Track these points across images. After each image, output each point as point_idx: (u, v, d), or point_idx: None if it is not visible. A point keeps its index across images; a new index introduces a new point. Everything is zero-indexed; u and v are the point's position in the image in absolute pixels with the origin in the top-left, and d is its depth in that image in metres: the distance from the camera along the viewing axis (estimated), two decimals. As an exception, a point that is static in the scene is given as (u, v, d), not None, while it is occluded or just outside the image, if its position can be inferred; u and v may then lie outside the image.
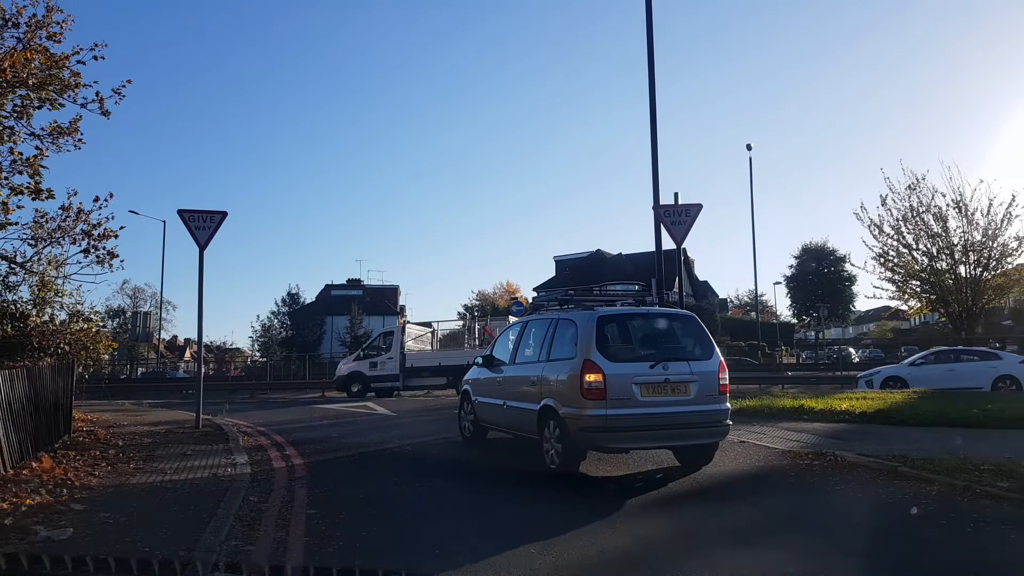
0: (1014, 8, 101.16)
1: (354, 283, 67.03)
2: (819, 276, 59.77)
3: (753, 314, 77.49)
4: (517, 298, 55.16)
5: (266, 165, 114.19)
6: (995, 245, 33.03)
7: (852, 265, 48.09)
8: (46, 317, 9.90)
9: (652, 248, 16.01)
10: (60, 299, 10.07)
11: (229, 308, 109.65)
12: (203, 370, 13.44)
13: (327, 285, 68.32)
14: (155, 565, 2.82)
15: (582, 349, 7.09)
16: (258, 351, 57.49)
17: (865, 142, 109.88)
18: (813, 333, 64.83)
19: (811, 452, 8.35)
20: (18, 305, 9.46)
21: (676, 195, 14.32)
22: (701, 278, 72.19)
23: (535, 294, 65.81)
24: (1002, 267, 34.15)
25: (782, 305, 72.99)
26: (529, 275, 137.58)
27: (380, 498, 6.65)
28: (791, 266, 61.08)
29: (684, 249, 64.35)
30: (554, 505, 6.39)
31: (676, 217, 13.47)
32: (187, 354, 64.73)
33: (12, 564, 2.67)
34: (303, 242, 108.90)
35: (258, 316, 74.23)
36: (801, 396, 14.11)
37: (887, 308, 64.51)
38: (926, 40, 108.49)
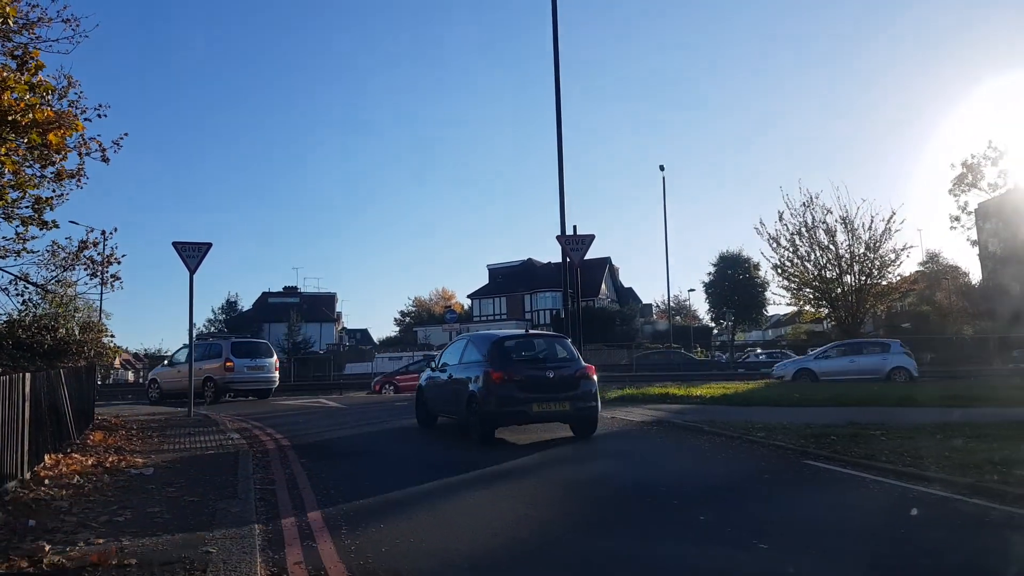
0: (919, 35, 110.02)
1: (291, 291, 68.54)
2: (734, 282, 64.33)
3: (678, 318, 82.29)
4: (451, 306, 58.18)
5: (203, 173, 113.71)
6: (876, 257, 37.72)
7: (763, 272, 52.79)
8: (63, 331, 12.30)
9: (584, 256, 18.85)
10: (76, 315, 12.47)
11: (164, 317, 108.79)
12: (192, 372, 16.08)
13: (264, 293, 69.56)
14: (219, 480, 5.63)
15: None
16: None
17: (775, 158, 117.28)
18: (729, 335, 69.53)
19: (654, 421, 11.68)
20: (44, 320, 11.85)
21: (575, 227, 17.50)
22: (626, 285, 76.39)
23: (469, 301, 68.98)
24: (883, 276, 38.92)
25: (703, 310, 77.78)
26: (464, 282, 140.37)
27: (355, 453, 9.59)
28: (709, 273, 65.42)
29: (609, 258, 68.19)
30: (474, 453, 9.41)
31: (575, 245, 16.73)
32: (117, 361, 64.95)
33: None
34: (240, 250, 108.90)
35: (194, 324, 74.73)
36: (670, 386, 17.58)
37: (801, 312, 69.73)
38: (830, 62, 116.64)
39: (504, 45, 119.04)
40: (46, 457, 7.49)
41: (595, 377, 10.71)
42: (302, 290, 68.30)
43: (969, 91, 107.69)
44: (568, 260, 17.83)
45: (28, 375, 6.65)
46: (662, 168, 46.86)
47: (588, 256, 18.81)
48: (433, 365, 12.91)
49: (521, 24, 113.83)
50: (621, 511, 6.21)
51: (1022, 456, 7.03)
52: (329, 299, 69.21)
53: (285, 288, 69.13)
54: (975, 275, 54.11)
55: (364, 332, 77.93)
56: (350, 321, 78.67)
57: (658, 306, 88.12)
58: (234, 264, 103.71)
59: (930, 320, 50.69)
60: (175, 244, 13.43)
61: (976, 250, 49.48)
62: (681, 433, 10.71)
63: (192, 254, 13.41)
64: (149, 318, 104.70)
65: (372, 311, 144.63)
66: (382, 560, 4.63)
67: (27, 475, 6.61)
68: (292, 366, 45.35)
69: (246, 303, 64.19)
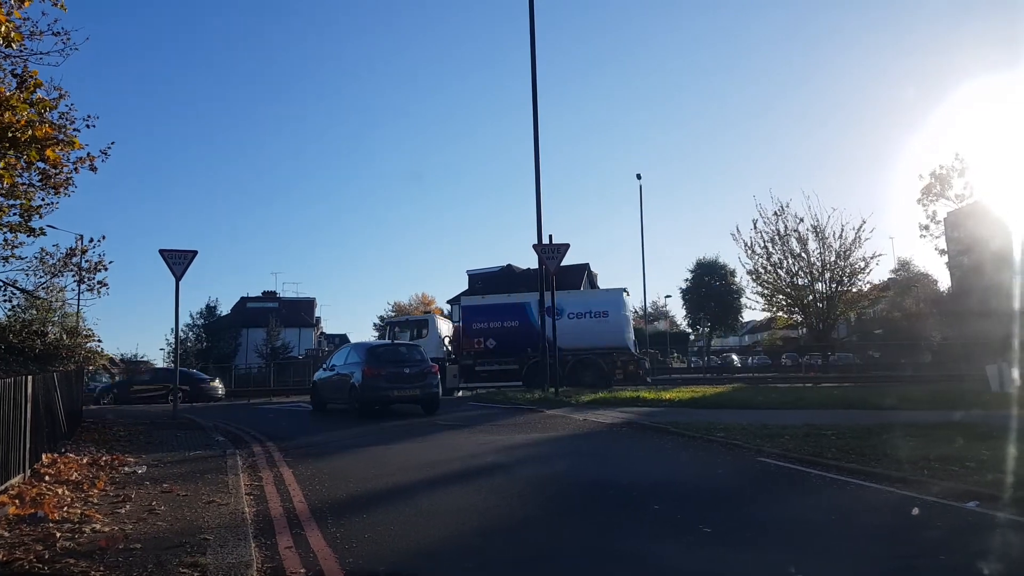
0: (894, 47, 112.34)
1: (270, 296, 68.38)
2: (711, 289, 65.23)
3: (656, 323, 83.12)
4: (430, 311, 58.46)
5: (183, 179, 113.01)
6: (846, 264, 38.65)
7: (739, 279, 53.76)
8: (52, 336, 12.62)
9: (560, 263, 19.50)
10: (63, 321, 12.81)
11: (140, 322, 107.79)
12: (177, 375, 16.93)
13: (243, 298, 69.32)
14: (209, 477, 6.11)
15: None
16: (172, 363, 58.36)
17: (753, 166, 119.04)
18: (705, 341, 70.45)
19: (623, 423, 12.25)
20: (35, 326, 12.17)
21: (551, 236, 18.09)
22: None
23: (448, 306, 69.35)
24: (853, 284, 39.87)
25: (680, 315, 78.66)
26: (444, 287, 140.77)
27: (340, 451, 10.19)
28: (687, 279, 66.28)
29: (587, 264, 68.49)
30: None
31: (551, 253, 17.33)
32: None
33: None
34: (219, 255, 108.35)
35: (172, 329, 74.34)
36: (641, 390, 18.21)
37: (775, 318, 70.95)
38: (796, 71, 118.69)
39: (482, 49, 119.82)
40: (43, 456, 7.89)
41: (438, 374, 16.21)
42: (281, 295, 68.25)
43: (941, 103, 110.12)
44: (544, 267, 18.42)
45: (31, 378, 7.06)
46: (639, 177, 47.48)
47: (567, 262, 19.48)
48: (324, 366, 17.95)
49: (503, 29, 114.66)
50: (578, 501, 6.74)
51: (950, 453, 7.67)
52: (308, 304, 69.19)
53: (264, 293, 68.99)
54: (944, 283, 55.53)
55: (343, 337, 77.89)
56: (329, 326, 78.74)
57: (636, 312, 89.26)
58: (213, 269, 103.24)
59: (900, 327, 51.84)
60: (162, 252, 13.79)
61: (945, 259, 50.74)
62: (647, 433, 11.31)
63: (178, 261, 13.78)
64: (123, 323, 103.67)
65: (352, 316, 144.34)
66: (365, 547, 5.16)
67: (28, 472, 7.02)
68: (271, 371, 45.45)
69: (224, 308, 64.05)
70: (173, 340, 16.69)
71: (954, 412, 11.79)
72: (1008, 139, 43.35)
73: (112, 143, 11.92)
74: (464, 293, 67.12)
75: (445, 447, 10.54)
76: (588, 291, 37.60)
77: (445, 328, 27.68)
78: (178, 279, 13.85)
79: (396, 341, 21.05)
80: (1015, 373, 15.69)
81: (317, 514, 6.09)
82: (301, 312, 65.77)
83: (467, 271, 68.26)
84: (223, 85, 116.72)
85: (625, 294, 26.50)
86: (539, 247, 18.16)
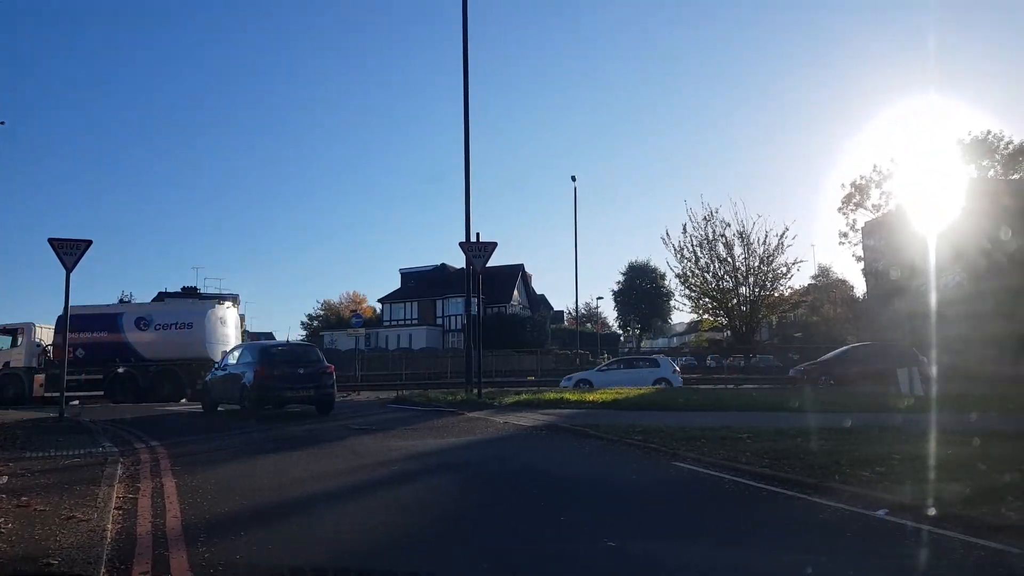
0: (824, 63, 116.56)
1: (190, 291, 65.50)
2: (642, 291, 66.19)
3: (588, 325, 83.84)
4: (357, 311, 57.30)
5: (96, 165, 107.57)
6: (769, 270, 39.58)
7: (668, 282, 54.54)
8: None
9: (494, 264, 19.32)
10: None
11: (46, 317, 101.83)
12: (64, 374, 15.98)
13: (160, 292, 66.36)
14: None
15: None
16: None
17: (685, 171, 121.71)
18: (635, 343, 71.39)
19: (543, 425, 11.97)
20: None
21: (478, 234, 17.70)
22: (538, 292, 77.30)
23: (380, 305, 68.21)
24: (775, 288, 40.87)
25: (612, 317, 79.65)
26: (377, 286, 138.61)
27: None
28: (619, 282, 67.06)
29: (522, 265, 68.17)
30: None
31: (477, 252, 16.92)
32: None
33: None
34: (135, 248, 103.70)
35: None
36: (565, 391, 18.01)
37: (702, 320, 72.53)
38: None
39: (415, 43, 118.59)
40: None
41: (334, 374, 15.98)
42: (202, 291, 65.51)
43: (865, 120, 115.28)
44: (472, 267, 18.01)
45: None
46: (574, 179, 47.55)
47: (500, 263, 19.37)
48: (216, 366, 17.85)
49: (439, 22, 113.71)
50: (491, 514, 6.35)
51: (861, 457, 7.61)
52: (231, 300, 66.67)
53: (184, 288, 65.95)
54: (860, 289, 57.76)
55: (269, 335, 75.65)
56: (255, 324, 76.09)
57: (570, 313, 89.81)
58: (128, 262, 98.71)
59: (818, 330, 53.57)
60: (51, 241, 12.75)
61: (861, 265, 52.67)
62: (566, 437, 11.06)
63: (69, 252, 12.75)
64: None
65: (279, 314, 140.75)
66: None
67: None
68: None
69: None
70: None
71: (866, 415, 11.93)
72: (921, 154, 45.15)
73: (2, 122, 11.01)
74: (396, 292, 66.20)
75: (353, 454, 9.98)
76: (178, 301, 37.19)
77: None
78: (69, 271, 12.82)
79: (293, 341, 22.08)
80: (934, 371, 16.22)
81: (190, 533, 5.48)
82: (223, 309, 63.35)
83: (400, 269, 67.35)
84: (146, 68, 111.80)
85: (223, 305, 26.40)
86: (466, 245, 17.74)
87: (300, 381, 14.88)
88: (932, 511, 5.53)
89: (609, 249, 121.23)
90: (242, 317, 70.60)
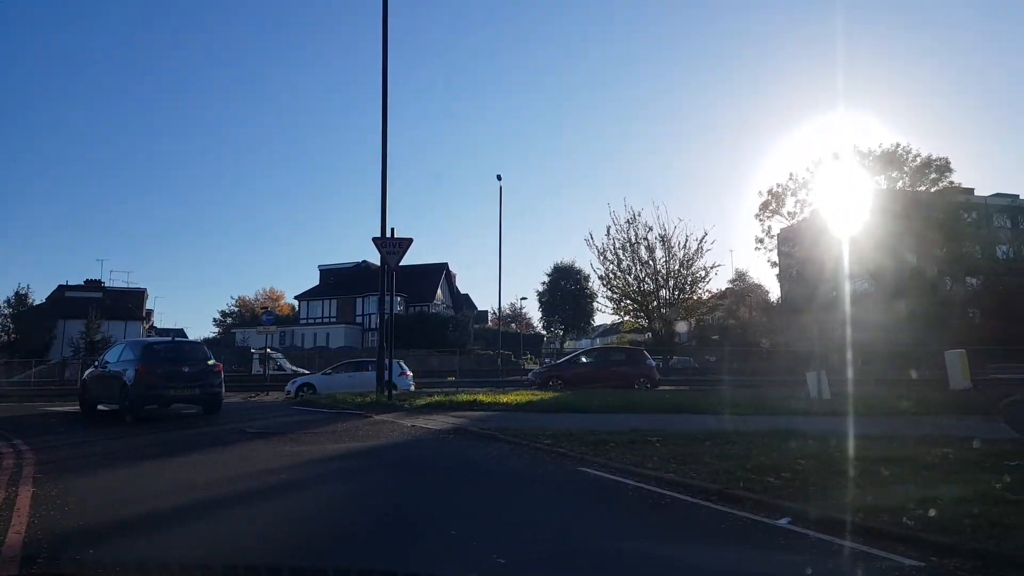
0: (749, 77, 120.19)
1: (94, 284, 62.05)
2: (566, 292, 66.55)
3: (513, 325, 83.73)
4: (268, 307, 55.44)
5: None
6: (688, 273, 40.24)
7: (592, 284, 54.93)
8: None
9: (417, 262, 18.59)
10: None
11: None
12: None
13: (61, 286, 62.61)
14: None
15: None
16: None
17: (611, 175, 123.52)
18: (558, 343, 71.69)
19: (452, 429, 11.46)
20: None
21: (392, 230, 17.03)
22: (463, 291, 76.76)
23: (297, 302, 66.11)
24: (694, 292, 41.60)
25: (537, 317, 79.84)
26: (296, 283, 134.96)
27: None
28: (543, 282, 67.24)
29: (446, 264, 67.60)
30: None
31: (391, 248, 16.27)
32: None
33: None
34: (35, 238, 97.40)
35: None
36: (479, 393, 17.56)
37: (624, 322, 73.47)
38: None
39: (338, 37, 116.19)
40: None
41: (222, 373, 15.42)
42: (108, 284, 62.15)
43: (786, 127, 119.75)
44: (386, 264, 17.33)
45: None
46: (499, 178, 47.19)
47: (423, 261, 18.97)
48: (95, 363, 16.65)
49: (356, 22, 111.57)
50: (380, 529, 5.81)
51: (767, 462, 7.44)
52: (138, 295, 63.44)
53: (87, 282, 62.54)
54: (775, 293, 59.67)
55: (180, 332, 72.45)
56: (166, 320, 73.12)
57: (494, 313, 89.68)
58: (26, 253, 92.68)
59: (735, 333, 54.96)
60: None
61: (776, 271, 54.39)
62: (474, 440, 10.61)
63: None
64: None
65: (191, 311, 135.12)
66: None
67: None
68: (80, 368, 40.88)
69: (39, 296, 57.43)
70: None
71: (775, 418, 11.92)
72: (835, 165, 46.84)
73: None
74: (315, 289, 64.34)
75: (239, 461, 9.20)
76: None
77: None
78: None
79: (180, 339, 20.23)
80: (850, 374, 16.52)
81: (30, 550, 4.74)
82: (128, 304, 60.15)
83: (319, 266, 65.46)
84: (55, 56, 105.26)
85: None
86: (380, 241, 17.04)
87: (185, 380, 14.26)
88: (835, 520, 5.33)
89: (535, 250, 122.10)
90: (150, 313, 67.59)
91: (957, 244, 47.46)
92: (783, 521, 5.53)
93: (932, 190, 45.50)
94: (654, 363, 24.16)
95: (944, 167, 45.20)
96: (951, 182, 45.48)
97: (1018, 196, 54.37)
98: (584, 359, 25.33)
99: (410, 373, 24.06)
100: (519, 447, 9.61)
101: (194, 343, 17.36)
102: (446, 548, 5.05)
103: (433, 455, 9.70)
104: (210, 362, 15.24)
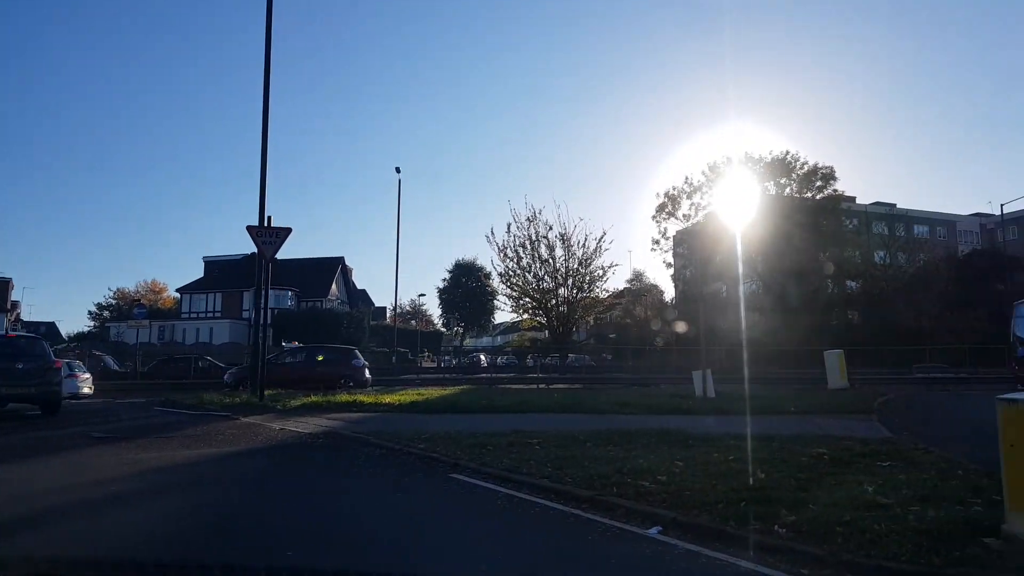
0: (654, 85, 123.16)
1: (-51, 272, 56.54)
2: (467, 290, 65.92)
3: (413, 322, 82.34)
4: (141, 301, 52.08)
5: None
6: (587, 272, 40.49)
7: (493, 281, 54.56)
8: None
9: (311, 255, 17.47)
10: None
11: None
12: None
13: (-89, 274, 56.59)
14: None
15: None
16: None
17: (514, 172, 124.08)
18: (458, 341, 71.05)
19: (323, 432, 10.65)
20: None
21: (270, 219, 15.91)
22: (360, 286, 74.83)
23: (177, 295, 62.38)
24: (592, 290, 41.92)
25: (437, 315, 78.84)
26: (179, 274, 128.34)
27: None
28: (444, 279, 66.35)
29: (342, 258, 65.46)
30: None
31: (268, 238, 15.18)
32: None
33: None
34: None
35: None
36: (358, 393, 16.70)
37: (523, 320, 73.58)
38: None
39: (228, 20, 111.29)
40: None
41: (62, 371, 15.15)
42: (-34, 272, 56.64)
43: (684, 132, 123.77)
44: (263, 256, 16.20)
45: None
46: (398, 170, 46.04)
47: (317, 254, 18.01)
48: None
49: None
50: (206, 556, 5.01)
51: (645, 465, 7.11)
52: (2, 285, 58.16)
53: (-58, 270, 56.74)
54: (670, 293, 61.27)
55: (51, 326, 67.11)
56: (36, 313, 67.49)
57: (393, 309, 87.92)
58: None
59: (631, 332, 55.99)
60: None
61: (671, 271, 55.75)
62: (344, 445, 9.87)
63: None
64: None
65: (64, 303, 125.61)
66: None
67: None
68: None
69: None
70: None
71: (660, 417, 11.77)
72: (728, 170, 48.43)
73: None
74: (199, 281, 60.85)
75: (74, 469, 8.11)
76: None
77: None
78: None
79: (13, 333, 19.27)
80: (746, 372, 16.69)
81: None
82: (-10, 294, 55.05)
83: (204, 257, 61.97)
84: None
85: None
86: (255, 230, 15.87)
87: (19, 378, 13.45)
88: (707, 528, 5.01)
89: (436, 247, 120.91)
90: (15, 304, 62.15)
91: (839, 249, 50.13)
92: (653, 531, 5.17)
93: (818, 197, 47.71)
94: (364, 363, 22.50)
95: (829, 175, 47.49)
96: (835, 190, 47.83)
97: (895, 205, 58.01)
98: (288, 358, 23.26)
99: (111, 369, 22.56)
100: (391, 452, 8.96)
101: (32, 337, 15.92)
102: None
103: (293, 463, 8.84)
104: (49, 359, 14.44)
